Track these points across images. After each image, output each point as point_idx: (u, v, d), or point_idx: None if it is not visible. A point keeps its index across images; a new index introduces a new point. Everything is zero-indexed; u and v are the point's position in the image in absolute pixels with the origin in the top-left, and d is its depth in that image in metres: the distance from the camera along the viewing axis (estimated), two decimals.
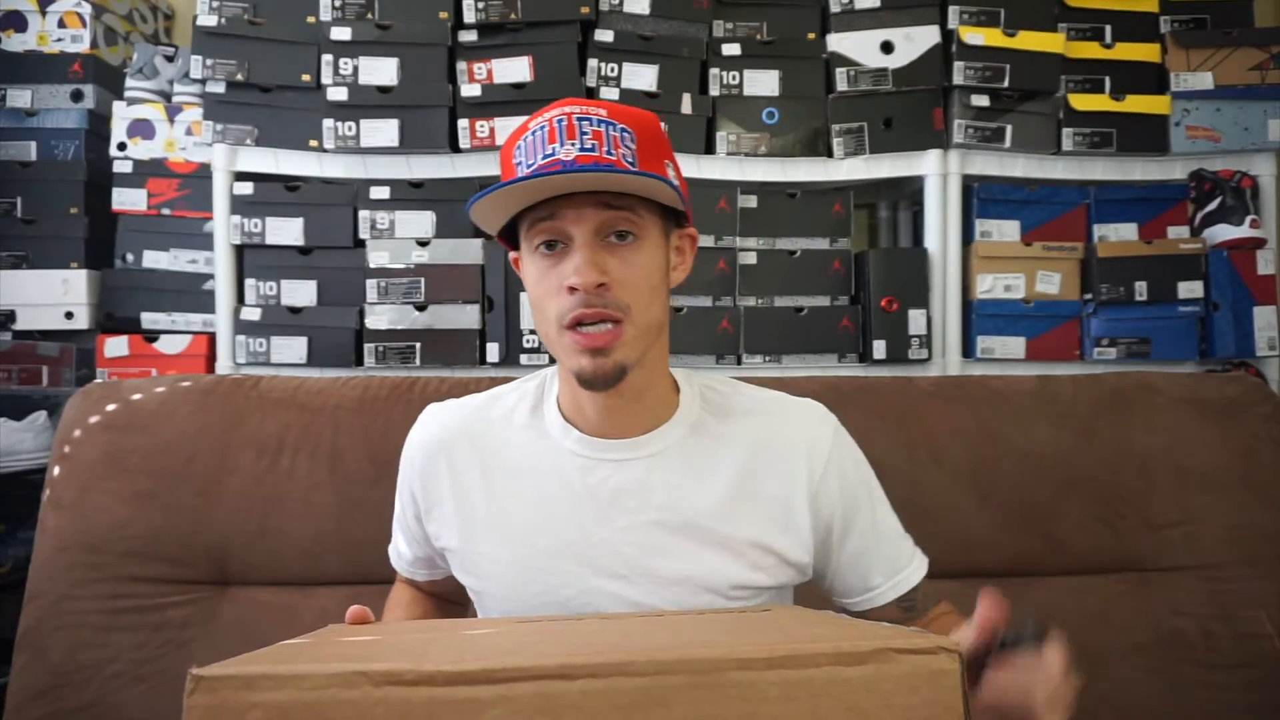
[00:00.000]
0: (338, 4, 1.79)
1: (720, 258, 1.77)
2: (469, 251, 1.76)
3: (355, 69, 1.76)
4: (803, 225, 1.81)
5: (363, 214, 1.76)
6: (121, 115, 1.86)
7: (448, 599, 1.00)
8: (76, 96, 1.92)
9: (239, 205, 1.76)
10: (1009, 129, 1.82)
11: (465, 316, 1.75)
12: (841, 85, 1.81)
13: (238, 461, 1.23)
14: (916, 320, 1.78)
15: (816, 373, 1.74)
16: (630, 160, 0.77)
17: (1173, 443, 1.30)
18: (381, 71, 1.76)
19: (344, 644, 0.59)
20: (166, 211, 1.85)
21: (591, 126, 0.77)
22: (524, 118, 0.82)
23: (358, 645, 0.58)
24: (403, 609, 1.00)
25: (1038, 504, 1.28)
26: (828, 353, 1.79)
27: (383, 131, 1.75)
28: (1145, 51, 1.85)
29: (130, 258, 1.86)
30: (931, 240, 1.82)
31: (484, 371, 1.75)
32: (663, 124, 0.84)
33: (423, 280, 1.75)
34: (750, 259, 1.79)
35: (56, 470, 1.23)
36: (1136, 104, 1.82)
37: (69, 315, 1.84)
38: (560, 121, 0.77)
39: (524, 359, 1.75)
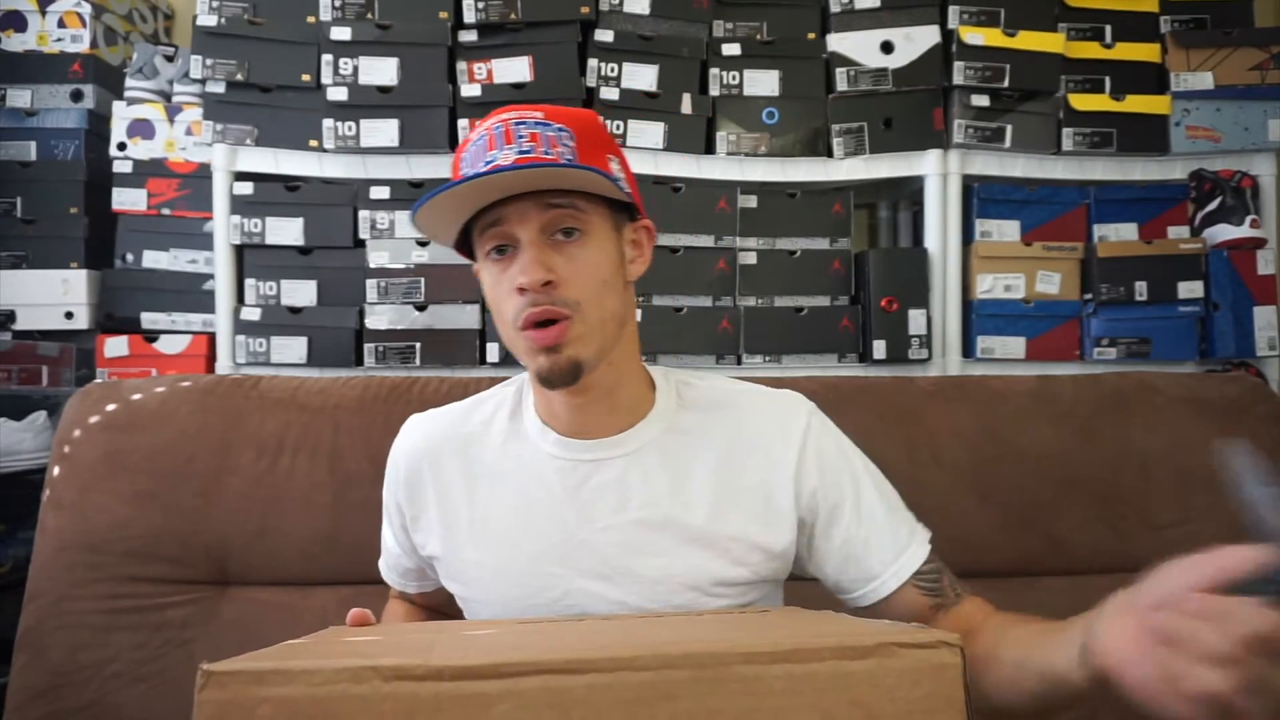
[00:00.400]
0: (338, 4, 1.79)
1: (720, 258, 1.77)
2: None
3: (355, 69, 1.76)
4: (803, 225, 1.81)
5: (363, 214, 1.76)
6: (121, 115, 1.86)
7: (441, 611, 1.00)
8: (76, 96, 1.92)
9: (239, 205, 1.76)
10: (1009, 129, 1.82)
11: (465, 316, 1.75)
12: (841, 85, 1.81)
13: (238, 461, 1.23)
14: (916, 320, 1.78)
15: (817, 373, 1.74)
16: (569, 158, 0.77)
17: (1173, 443, 1.30)
18: (381, 71, 1.76)
19: (350, 642, 0.59)
20: (166, 211, 1.85)
21: (528, 129, 0.77)
22: None
23: (364, 643, 0.58)
24: (399, 621, 1.00)
25: (1038, 504, 1.28)
26: (828, 353, 1.79)
27: (383, 131, 1.75)
28: (1145, 51, 1.85)
29: (130, 258, 1.86)
30: (931, 240, 1.82)
31: (484, 371, 1.74)
32: (608, 121, 0.83)
33: (423, 280, 1.75)
34: (750, 259, 1.79)
35: (56, 470, 1.22)
36: (1136, 104, 1.82)
37: (69, 315, 1.84)
38: (498, 129, 0.78)
39: None
